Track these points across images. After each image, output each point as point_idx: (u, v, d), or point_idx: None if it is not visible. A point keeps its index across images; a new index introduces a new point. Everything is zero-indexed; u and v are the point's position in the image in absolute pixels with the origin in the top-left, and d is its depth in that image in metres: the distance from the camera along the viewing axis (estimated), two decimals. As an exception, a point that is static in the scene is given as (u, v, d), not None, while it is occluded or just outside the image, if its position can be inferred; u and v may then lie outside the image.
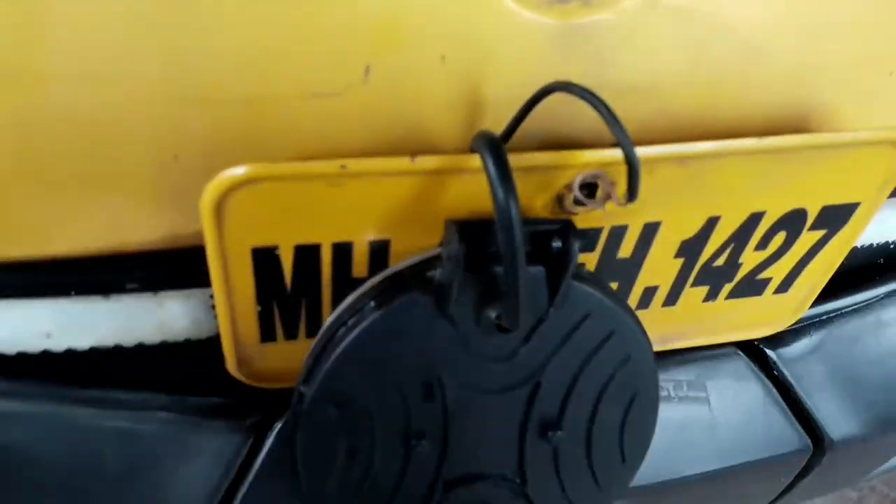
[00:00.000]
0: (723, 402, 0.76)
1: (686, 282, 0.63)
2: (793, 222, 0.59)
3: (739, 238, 0.59)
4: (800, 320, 0.76)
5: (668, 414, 0.74)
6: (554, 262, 0.50)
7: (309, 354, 0.53)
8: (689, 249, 0.59)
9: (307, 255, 0.52)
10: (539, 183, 0.51)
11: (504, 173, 0.45)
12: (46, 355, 0.58)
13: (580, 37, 0.52)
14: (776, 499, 0.98)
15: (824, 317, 0.78)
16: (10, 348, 0.57)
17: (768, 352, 0.77)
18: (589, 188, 0.52)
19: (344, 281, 0.55)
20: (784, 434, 0.78)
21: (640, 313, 0.57)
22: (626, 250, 0.58)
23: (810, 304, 0.70)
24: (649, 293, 0.63)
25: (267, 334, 0.57)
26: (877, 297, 0.78)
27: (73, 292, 0.54)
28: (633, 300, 0.62)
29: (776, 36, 0.56)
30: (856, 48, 0.58)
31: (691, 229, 0.58)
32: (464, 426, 0.54)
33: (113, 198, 0.50)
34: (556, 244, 0.50)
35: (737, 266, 0.62)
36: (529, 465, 0.57)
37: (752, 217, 0.58)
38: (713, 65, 0.55)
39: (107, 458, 0.61)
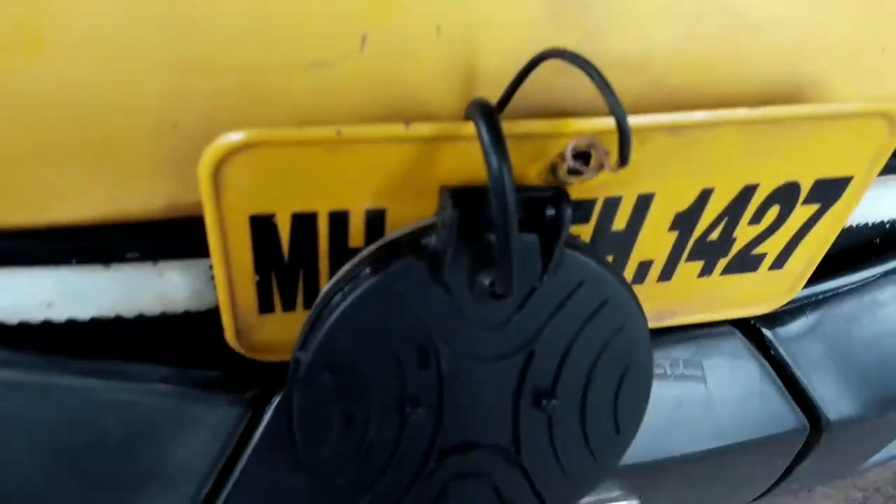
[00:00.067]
0: (719, 380, 0.76)
1: (681, 256, 0.63)
2: (786, 196, 0.60)
3: (733, 211, 0.60)
4: (796, 300, 0.76)
5: (665, 392, 0.75)
6: (547, 229, 0.51)
7: (306, 321, 0.53)
8: (684, 222, 0.60)
9: (304, 223, 0.53)
10: (532, 152, 0.51)
11: (497, 140, 0.45)
12: (48, 325, 0.59)
13: (574, 9, 0.52)
14: (775, 484, 0.99)
15: (821, 296, 0.78)
16: (12, 318, 0.58)
17: (765, 331, 0.77)
18: (583, 158, 0.52)
19: (341, 251, 0.55)
20: (781, 413, 0.79)
21: (635, 289, 0.57)
22: (620, 223, 0.58)
23: (805, 281, 0.70)
24: (644, 268, 0.63)
25: (265, 305, 0.58)
26: (873, 276, 0.79)
27: (73, 261, 0.55)
28: (628, 274, 0.63)
29: (769, 11, 0.56)
30: (849, 23, 0.59)
31: (685, 201, 0.58)
32: (459, 394, 0.55)
33: (112, 165, 0.51)
34: (550, 212, 0.51)
35: (731, 240, 0.63)
36: (524, 434, 0.57)
37: (746, 190, 0.58)
38: (706, 39, 0.56)
39: (107, 428, 0.61)
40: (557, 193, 0.50)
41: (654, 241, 0.61)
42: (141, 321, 0.61)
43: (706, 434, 0.76)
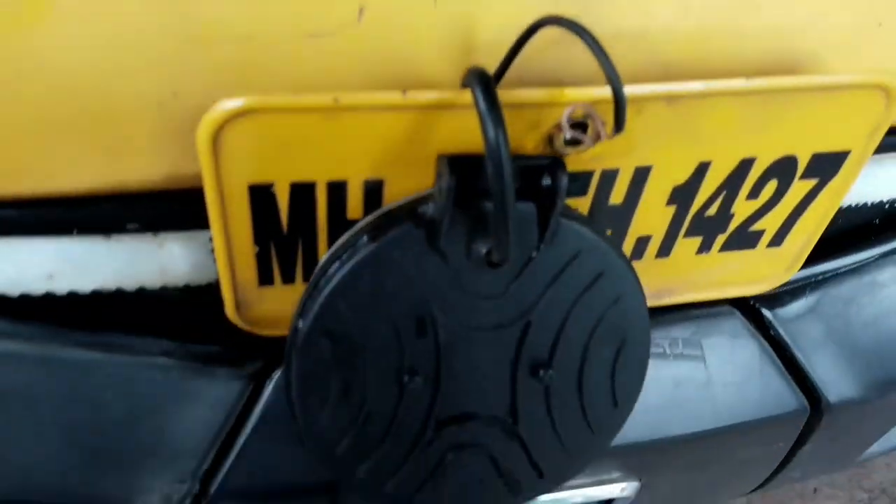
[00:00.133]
0: (719, 360, 0.76)
1: (679, 232, 0.63)
2: (784, 170, 0.60)
3: (731, 185, 0.60)
4: (796, 280, 0.77)
5: (664, 371, 0.75)
6: (543, 198, 0.51)
7: (305, 290, 0.54)
8: (681, 196, 0.60)
9: (303, 193, 0.53)
10: (529, 121, 0.52)
11: (494, 106, 0.46)
12: (49, 298, 0.59)
13: (571, -20, 0.53)
14: (776, 471, 0.99)
15: (820, 277, 0.78)
16: (14, 289, 0.58)
17: (764, 311, 0.77)
18: (580, 128, 0.52)
19: (339, 223, 0.56)
20: (781, 394, 0.79)
21: (634, 266, 0.58)
22: (618, 196, 0.59)
23: (804, 260, 0.71)
24: (642, 243, 0.63)
25: (264, 277, 0.58)
26: (872, 257, 0.79)
27: (74, 231, 0.55)
28: (626, 250, 0.63)
29: (766, -15, 0.57)
30: (846, -2, 0.59)
31: (683, 174, 0.58)
32: (456, 364, 0.55)
33: (113, 135, 0.52)
34: (546, 181, 0.51)
35: (729, 216, 0.63)
36: (521, 404, 0.58)
37: (743, 163, 0.59)
38: (703, 12, 0.56)
39: (107, 401, 0.62)
40: (554, 162, 0.51)
41: (652, 216, 0.61)
42: (142, 295, 0.62)
43: (706, 414, 0.76)
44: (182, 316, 0.64)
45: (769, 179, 0.61)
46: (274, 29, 0.50)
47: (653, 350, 0.74)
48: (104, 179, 0.54)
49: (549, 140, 0.53)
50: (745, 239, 0.66)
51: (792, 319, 0.78)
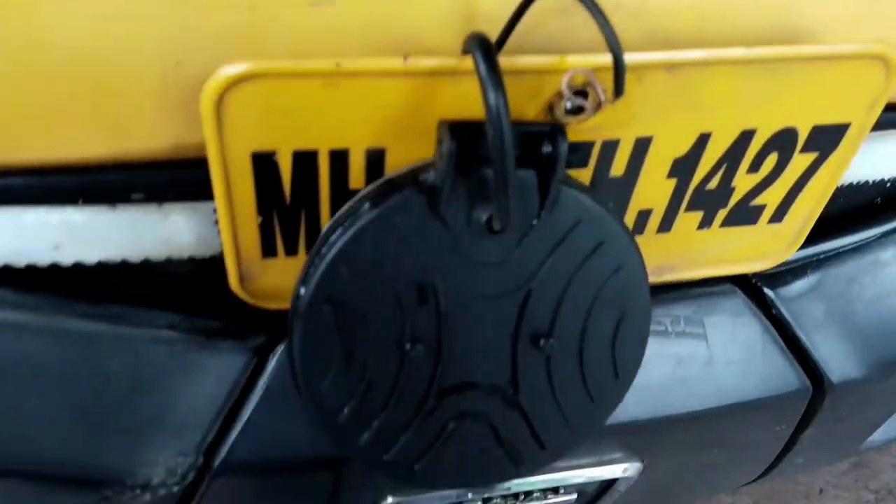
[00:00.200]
0: (721, 339, 0.77)
1: (680, 206, 0.64)
2: (784, 142, 0.60)
3: (731, 158, 0.60)
4: (797, 259, 0.77)
5: (666, 349, 0.75)
6: (544, 165, 0.51)
7: (308, 257, 0.54)
8: (682, 169, 0.60)
9: (305, 162, 0.54)
10: (530, 89, 0.52)
11: (494, 71, 0.46)
12: (55, 269, 0.60)
13: (572, -48, 0.53)
14: (779, 457, 0.99)
15: (822, 256, 0.78)
16: (20, 260, 0.59)
17: (766, 290, 0.77)
18: (581, 96, 0.53)
19: (342, 193, 0.56)
20: (783, 373, 0.79)
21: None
22: (618, 168, 0.59)
23: (805, 237, 0.71)
24: (643, 217, 0.64)
25: (268, 248, 0.59)
26: (874, 236, 0.79)
27: (80, 201, 0.56)
28: (627, 224, 0.63)
29: (766, -43, 0.57)
30: (846, -29, 0.60)
31: (683, 146, 0.59)
32: (457, 332, 0.56)
33: (117, 104, 0.52)
34: (546, 149, 0.51)
35: (730, 190, 0.63)
36: (522, 374, 0.58)
37: (744, 135, 0.59)
38: (704, -16, 0.56)
39: (112, 373, 0.62)
40: (554, 129, 0.51)
41: (653, 189, 0.61)
42: (147, 267, 0.62)
43: (708, 392, 0.77)
44: (187, 289, 0.65)
45: (770, 152, 0.61)
46: (277, -3, 0.50)
47: (654, 328, 0.74)
48: (109, 149, 0.54)
49: (550, 109, 0.53)
50: (746, 214, 0.66)
51: (794, 298, 0.78)
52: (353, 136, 0.53)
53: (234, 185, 0.54)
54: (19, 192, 0.55)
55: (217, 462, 0.65)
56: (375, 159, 0.55)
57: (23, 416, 0.61)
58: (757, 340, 0.77)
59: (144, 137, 0.54)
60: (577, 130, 0.55)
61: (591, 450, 0.80)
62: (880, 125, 0.64)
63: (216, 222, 0.60)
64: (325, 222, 0.58)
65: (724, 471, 1.01)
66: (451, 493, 0.78)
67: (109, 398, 0.63)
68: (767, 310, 0.77)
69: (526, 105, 0.53)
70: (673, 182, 0.61)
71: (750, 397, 0.78)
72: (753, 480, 1.11)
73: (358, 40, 0.53)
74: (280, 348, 0.66)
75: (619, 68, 0.46)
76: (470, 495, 0.78)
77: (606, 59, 0.49)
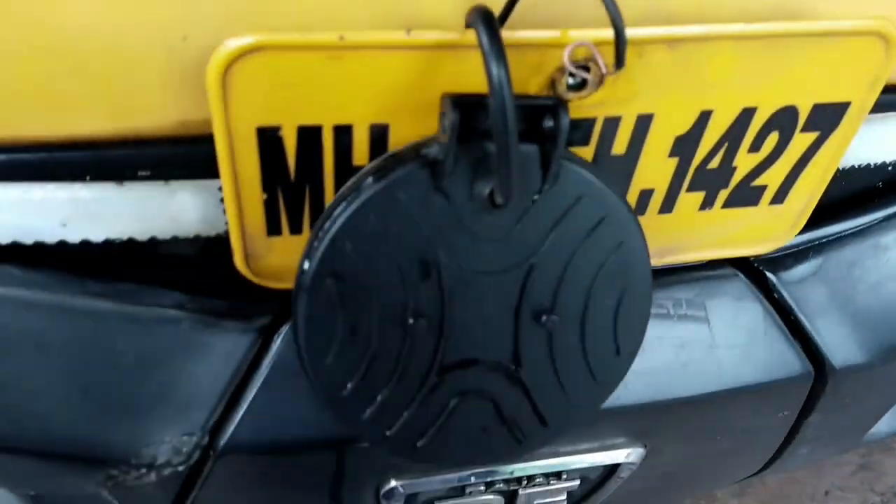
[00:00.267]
0: (722, 322, 0.77)
1: (681, 185, 0.64)
2: (785, 121, 0.61)
3: (733, 136, 0.61)
4: (799, 243, 0.77)
5: (668, 332, 0.75)
6: (546, 140, 0.52)
7: (312, 231, 0.55)
8: (683, 147, 0.61)
9: (310, 137, 0.54)
10: (532, 64, 0.53)
11: (496, 44, 0.46)
12: (63, 246, 0.60)
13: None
14: (782, 447, 0.99)
15: (824, 240, 0.79)
16: (28, 237, 0.59)
17: (768, 274, 0.78)
18: (584, 70, 0.53)
19: (346, 170, 0.57)
20: (785, 358, 0.79)
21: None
22: (620, 146, 0.60)
23: (806, 220, 0.71)
24: (645, 197, 0.64)
25: (273, 226, 0.59)
26: (876, 220, 0.79)
27: (87, 177, 0.56)
28: (629, 203, 0.64)
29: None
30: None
31: (685, 124, 0.59)
32: (460, 308, 0.56)
33: (124, 79, 0.53)
34: (548, 123, 0.52)
35: (731, 170, 0.64)
36: (524, 350, 0.58)
37: (744, 113, 0.59)
38: (705, -37, 0.57)
39: (118, 351, 0.63)
40: (556, 103, 0.51)
41: (655, 168, 0.62)
42: (153, 246, 0.63)
43: (710, 376, 0.77)
44: (193, 269, 0.65)
45: (770, 131, 0.61)
46: (282, -27, 0.51)
47: (656, 310, 0.75)
48: (116, 125, 0.55)
49: (552, 84, 0.54)
50: (747, 195, 0.67)
51: (795, 282, 0.78)
52: (357, 111, 0.53)
53: (239, 160, 0.54)
54: (27, 167, 0.55)
55: (222, 442, 0.66)
56: (379, 135, 0.55)
57: (29, 393, 0.62)
58: (759, 324, 0.78)
59: (151, 114, 0.55)
60: (579, 107, 0.56)
61: (593, 434, 0.80)
62: (881, 107, 0.64)
63: (221, 200, 0.60)
64: (329, 201, 0.58)
65: (727, 459, 1.01)
66: (454, 477, 0.78)
67: (115, 377, 0.63)
68: (769, 294, 0.78)
69: (528, 80, 0.53)
70: (674, 161, 0.62)
71: (752, 381, 0.78)
72: (757, 472, 1.11)
73: (363, 15, 0.53)
74: (285, 329, 0.66)
75: (620, 40, 0.46)
76: (472, 479, 0.79)
77: (608, 32, 0.49)
